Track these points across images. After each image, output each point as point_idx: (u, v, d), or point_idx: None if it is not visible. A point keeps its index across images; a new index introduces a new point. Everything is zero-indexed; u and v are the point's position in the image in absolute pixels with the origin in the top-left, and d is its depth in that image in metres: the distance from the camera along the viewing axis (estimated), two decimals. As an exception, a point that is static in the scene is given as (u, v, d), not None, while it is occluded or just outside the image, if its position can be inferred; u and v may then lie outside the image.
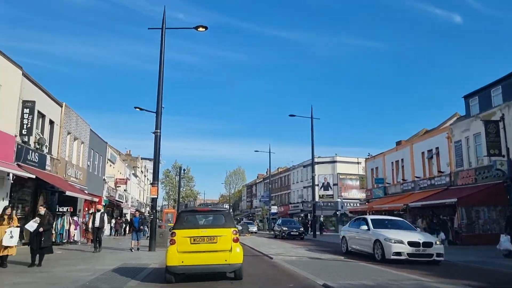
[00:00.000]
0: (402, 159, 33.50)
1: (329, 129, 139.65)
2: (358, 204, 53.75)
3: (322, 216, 50.64)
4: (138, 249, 16.92)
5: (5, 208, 10.17)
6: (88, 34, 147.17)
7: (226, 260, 8.56)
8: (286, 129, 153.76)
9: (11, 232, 9.53)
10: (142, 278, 9.41)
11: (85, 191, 26.12)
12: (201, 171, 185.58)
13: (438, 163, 28.17)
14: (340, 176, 55.64)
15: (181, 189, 71.82)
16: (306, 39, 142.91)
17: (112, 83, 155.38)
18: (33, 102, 17.78)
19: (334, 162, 56.28)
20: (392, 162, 35.35)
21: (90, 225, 17.42)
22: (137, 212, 18.09)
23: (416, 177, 30.43)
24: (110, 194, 34.96)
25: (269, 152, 52.87)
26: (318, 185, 56.85)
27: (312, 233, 42.14)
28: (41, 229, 10.23)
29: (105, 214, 15.80)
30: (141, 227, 18.61)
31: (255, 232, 42.72)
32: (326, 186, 56.37)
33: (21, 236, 10.06)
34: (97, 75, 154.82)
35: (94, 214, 16.82)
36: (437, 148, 28.20)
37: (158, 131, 18.15)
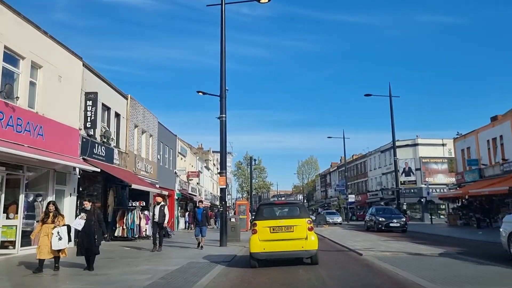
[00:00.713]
0: (501, 136, 29.07)
1: (408, 112, 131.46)
2: (446, 190, 49.04)
3: (405, 204, 46.68)
4: (201, 247, 14.63)
5: (48, 204, 9.07)
6: (156, 36, 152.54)
7: (302, 247, 9.57)
8: (360, 115, 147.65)
9: (58, 233, 8.40)
10: (209, 280, 7.87)
11: (157, 185, 25.65)
12: (273, 163, 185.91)
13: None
14: (423, 160, 51.02)
15: (253, 180, 71.31)
16: (375, 21, 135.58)
17: (184, 81, 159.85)
18: (96, 94, 17.13)
19: (416, 145, 51.72)
20: (487, 140, 30.94)
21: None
22: (200, 203, 16.02)
23: (521, 155, 26.11)
24: (183, 188, 34.64)
25: (343, 137, 49.88)
26: (399, 170, 52.74)
27: None
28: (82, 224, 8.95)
29: (166, 207, 14.18)
30: (207, 220, 15.98)
31: (340, 223, 39.94)
32: (407, 172, 52.09)
33: (69, 236, 8.77)
34: (170, 75, 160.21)
35: (154, 207, 15.29)
36: (548, 120, 23.81)
37: (224, 115, 16.66)
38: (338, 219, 42.06)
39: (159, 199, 14.71)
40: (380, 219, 25.47)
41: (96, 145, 17.42)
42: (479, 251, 12.08)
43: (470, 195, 27.53)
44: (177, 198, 32.12)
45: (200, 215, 14.97)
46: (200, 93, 17.15)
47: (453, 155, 52.24)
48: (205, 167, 50.56)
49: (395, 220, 24.85)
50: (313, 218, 42.31)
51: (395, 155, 31.72)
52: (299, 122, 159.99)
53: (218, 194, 54.19)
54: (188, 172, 37.48)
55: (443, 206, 50.02)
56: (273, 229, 9.73)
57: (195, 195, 41.94)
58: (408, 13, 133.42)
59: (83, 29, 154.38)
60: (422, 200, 50.06)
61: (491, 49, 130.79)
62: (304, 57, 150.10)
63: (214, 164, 62.04)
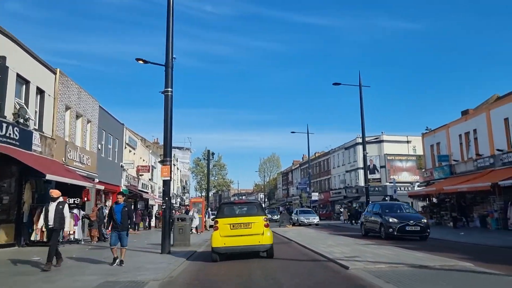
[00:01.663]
0: (474, 130, 27.38)
1: (372, 110, 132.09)
2: (410, 188, 47.71)
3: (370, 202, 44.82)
4: (120, 262, 9.76)
5: None
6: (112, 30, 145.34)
7: (259, 242, 10.62)
8: (325, 115, 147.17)
9: None
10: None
11: (95, 179, 21.87)
12: (236, 162, 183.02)
13: (530, 130, 22.11)
14: (388, 157, 49.53)
15: (213, 178, 67.80)
16: (340, 24, 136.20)
17: (145, 78, 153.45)
18: (3, 58, 13.30)
19: (381, 141, 50.16)
20: (460, 135, 29.24)
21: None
22: (120, 197, 10.34)
23: (498, 150, 24.35)
24: (131, 184, 30.81)
25: (307, 132, 47.41)
26: (362, 168, 51.09)
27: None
28: None
29: (66, 205, 9.52)
30: (130, 221, 10.36)
31: (316, 224, 34.09)
32: (372, 169, 50.35)
33: None
34: (129, 71, 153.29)
35: (48, 204, 9.59)
36: (528, 111, 22.11)
37: (170, 89, 13.30)
38: (315, 219, 35.10)
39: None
40: (390, 220, 16.89)
41: (3, 124, 13.57)
42: (490, 259, 9.51)
43: (445, 192, 25.58)
44: (121, 192, 28.22)
45: (120, 214, 9.63)
46: (141, 62, 13.71)
47: (417, 153, 51.35)
48: (160, 162, 46.56)
49: (412, 222, 16.63)
50: (269, 216, 38.95)
51: (364, 149, 29.37)
52: (263, 121, 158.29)
53: (175, 192, 49.46)
54: (138, 166, 33.62)
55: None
56: (233, 226, 10.68)
57: (147, 192, 38.09)
58: (371, 18, 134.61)
59: (38, 21, 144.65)
60: (386, 198, 48.43)
61: (453, 52, 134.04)
62: (269, 57, 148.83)
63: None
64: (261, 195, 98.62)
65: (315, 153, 76.61)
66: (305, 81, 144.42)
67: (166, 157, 13.40)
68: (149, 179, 39.37)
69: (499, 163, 24.38)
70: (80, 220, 17.69)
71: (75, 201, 17.62)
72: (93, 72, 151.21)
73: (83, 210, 18.75)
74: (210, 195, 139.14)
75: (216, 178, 67.28)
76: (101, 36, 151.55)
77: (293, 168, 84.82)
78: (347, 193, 53.98)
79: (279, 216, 41.95)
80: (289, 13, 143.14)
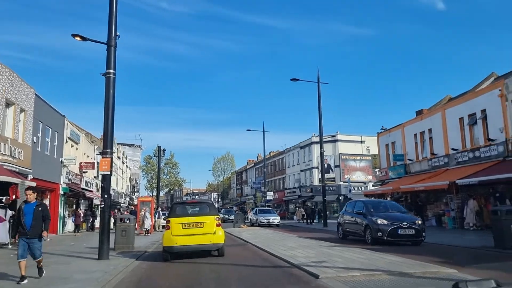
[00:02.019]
0: (429, 129, 27.46)
1: (327, 111, 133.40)
2: (364, 188, 48.01)
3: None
4: (38, 271, 7.90)
5: None
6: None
7: (211, 241, 10.81)
8: (278, 116, 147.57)
9: None
10: None
11: (29, 176, 19.50)
12: (189, 161, 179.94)
13: (484, 129, 22.22)
14: (343, 157, 49.63)
15: (164, 176, 65.16)
16: (292, 26, 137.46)
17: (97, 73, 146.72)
18: None
19: (336, 141, 50.18)
20: (414, 135, 29.31)
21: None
22: (30, 193, 7.67)
23: (453, 149, 24.43)
24: (73, 181, 28.25)
25: (263, 130, 46.55)
26: (317, 167, 50.92)
27: (316, 221, 36.32)
28: None
29: None
30: (44, 226, 7.82)
31: (277, 225, 31.60)
32: (327, 168, 50.09)
33: None
34: (82, 66, 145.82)
35: None
36: (483, 110, 22.20)
37: (112, 71, 11.57)
38: (276, 219, 32.48)
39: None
40: (379, 222, 13.52)
41: None
42: (469, 262, 8.71)
43: (401, 191, 25.35)
44: (63, 193, 25.80)
45: (31, 216, 7.50)
46: (78, 38, 11.83)
47: (371, 153, 51.89)
48: (99, 153, 43.73)
49: (405, 223, 13.33)
50: (222, 216, 37.33)
51: (321, 147, 28.78)
52: (217, 121, 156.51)
53: (124, 191, 46.62)
54: (81, 162, 31.04)
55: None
56: (185, 225, 10.74)
57: (91, 191, 35.39)
58: (324, 21, 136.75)
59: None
60: (340, 198, 48.59)
61: (403, 59, 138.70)
62: (224, 56, 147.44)
63: (119, 157, 55.09)
64: (215, 195, 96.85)
65: (270, 152, 75.99)
66: (260, 82, 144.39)
67: (106, 148, 11.63)
68: (94, 177, 36.67)
69: (454, 162, 24.47)
70: (7, 221, 15.43)
71: (1, 200, 15.43)
72: (41, 65, 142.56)
73: (11, 209, 16.45)
74: (161, 195, 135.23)
75: (168, 176, 64.58)
76: (52, 28, 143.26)
77: (247, 167, 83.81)
78: (302, 192, 53.64)
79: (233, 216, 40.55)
80: (244, 13, 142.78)
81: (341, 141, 50.13)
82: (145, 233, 23.32)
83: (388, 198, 31.18)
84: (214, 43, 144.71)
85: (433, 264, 7.71)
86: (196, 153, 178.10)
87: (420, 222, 14.07)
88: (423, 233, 13.44)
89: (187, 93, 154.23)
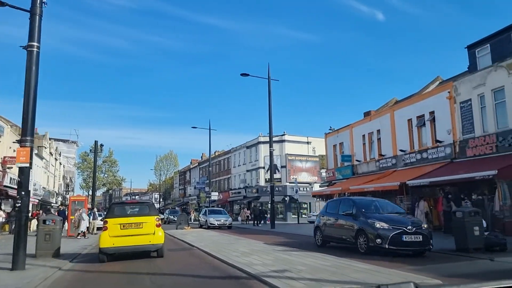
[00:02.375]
0: (378, 130, 27.46)
1: (275, 110, 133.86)
2: (309, 189, 47.88)
3: (269, 202, 43.87)
4: None
5: None
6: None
7: (150, 241, 10.65)
8: (224, 117, 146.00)
9: None
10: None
11: None
12: (130, 160, 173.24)
13: (432, 131, 22.38)
14: (289, 157, 49.28)
15: (102, 174, 61.48)
16: (237, 27, 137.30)
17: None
18: None
19: (283, 141, 49.73)
20: (363, 135, 29.25)
21: None
22: None
23: (401, 150, 24.48)
24: (-6, 178, 25.08)
25: (209, 128, 44.98)
26: (264, 167, 50.23)
27: (264, 223, 35.34)
28: None
29: None
30: None
31: (229, 227, 29.05)
32: (273, 169, 49.65)
33: None
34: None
35: None
36: (431, 112, 22.34)
37: (35, 44, 9.65)
38: (227, 220, 29.72)
39: None
40: (378, 226, 10.81)
41: None
42: (448, 271, 7.93)
43: (350, 191, 24.99)
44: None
45: None
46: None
47: (317, 153, 52.04)
48: (36, 154, 40.05)
49: (410, 228, 10.62)
50: (162, 216, 34.64)
51: (271, 145, 27.85)
52: (161, 119, 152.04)
53: (56, 190, 42.91)
54: (4, 157, 27.76)
55: (305, 205, 49.08)
56: (123, 226, 10.55)
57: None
58: (270, 25, 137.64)
59: None
60: (286, 198, 48.17)
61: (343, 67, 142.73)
62: (167, 54, 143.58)
63: (52, 153, 50.95)
64: (156, 195, 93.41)
65: (215, 152, 74.41)
66: (205, 81, 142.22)
67: (25, 135, 9.63)
68: (21, 174, 33.19)
69: (401, 164, 24.52)
70: None
71: None
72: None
73: None
74: (98, 194, 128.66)
75: (106, 175, 61.10)
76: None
77: (191, 167, 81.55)
78: (247, 193, 52.66)
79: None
80: (189, 11, 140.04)
81: (288, 141, 49.78)
82: (80, 236, 21.07)
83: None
84: (157, 40, 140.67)
85: (414, 274, 6.77)
86: (138, 152, 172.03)
87: (425, 226, 11.54)
88: (431, 240, 10.82)
89: (128, 90, 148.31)
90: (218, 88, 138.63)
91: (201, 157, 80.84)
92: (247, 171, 53.82)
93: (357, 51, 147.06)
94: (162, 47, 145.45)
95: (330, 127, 34.76)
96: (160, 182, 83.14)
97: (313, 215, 43.56)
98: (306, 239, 16.80)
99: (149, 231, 10.65)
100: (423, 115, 22.99)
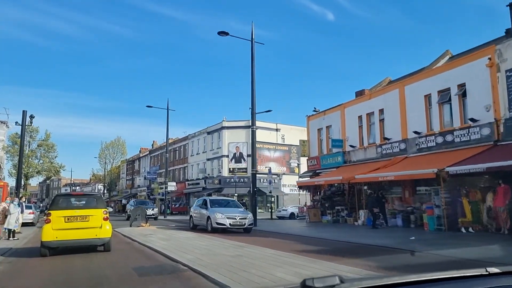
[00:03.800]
0: (381, 110, 22.99)
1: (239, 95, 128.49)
2: (276, 181, 43.12)
3: (235, 195, 38.55)
4: None
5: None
6: None
7: (96, 235, 10.36)
8: (178, 106, 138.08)
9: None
10: None
11: None
12: (73, 151, 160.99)
13: (461, 108, 18.13)
14: (257, 145, 43.91)
15: (37, 161, 52.97)
16: (191, 19, 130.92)
17: None
18: None
19: (249, 127, 44.29)
20: (359, 117, 24.73)
21: None
22: None
23: (415, 132, 20.09)
24: None
25: (167, 108, 38.74)
26: (227, 155, 44.74)
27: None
28: None
29: None
30: None
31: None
32: (238, 158, 44.37)
33: None
34: None
35: None
36: (461, 85, 18.05)
37: None
38: (246, 218, 24.18)
39: None
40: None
41: None
42: None
43: (356, 181, 20.25)
44: None
45: None
46: None
47: (286, 142, 47.34)
48: None
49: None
50: (107, 209, 27.97)
51: (253, 124, 22.51)
52: (107, 108, 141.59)
53: None
54: None
55: (273, 199, 44.12)
56: (68, 219, 10.21)
57: None
58: (223, 18, 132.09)
59: None
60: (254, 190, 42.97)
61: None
62: (118, 42, 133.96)
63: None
64: (100, 186, 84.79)
65: (169, 139, 67.72)
66: (158, 71, 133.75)
67: None
68: None
69: (414, 149, 20.20)
70: None
71: None
72: None
73: None
74: (34, 184, 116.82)
75: (42, 161, 52.57)
76: None
77: (141, 155, 74.18)
78: (207, 184, 46.83)
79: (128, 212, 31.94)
80: (144, 1, 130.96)
81: (256, 127, 44.42)
82: (9, 236, 14.71)
83: (328, 191, 26.34)
84: (109, 27, 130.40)
85: None
86: (82, 142, 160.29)
87: None
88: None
89: (75, 77, 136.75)
90: (174, 78, 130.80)
91: (152, 145, 73.72)
92: (208, 159, 48.00)
93: (311, 49, 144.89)
94: (114, 35, 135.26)
95: (315, 108, 30.03)
96: (105, 171, 74.85)
97: (283, 209, 38.80)
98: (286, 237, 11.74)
99: (95, 225, 10.42)
100: (448, 89, 18.69)
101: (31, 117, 22.51)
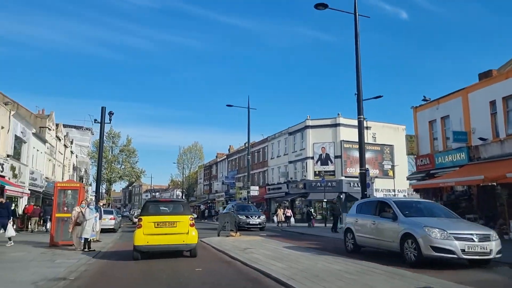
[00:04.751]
0: (526, 91, 17.95)
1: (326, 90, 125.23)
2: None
3: (325, 200, 34.59)
4: None
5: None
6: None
7: (184, 241, 10.61)
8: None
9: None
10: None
11: None
12: (150, 159, 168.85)
13: None
14: (345, 145, 39.80)
15: (119, 166, 53.28)
16: (259, 27, 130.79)
17: (54, 63, 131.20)
18: None
19: (337, 125, 40.28)
20: (491, 102, 19.79)
21: None
22: None
23: None
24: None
25: (248, 107, 35.86)
26: (312, 157, 40.97)
27: (309, 225, 25.50)
28: None
29: None
30: None
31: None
32: (324, 159, 40.40)
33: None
34: (35, 55, 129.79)
35: None
36: None
37: None
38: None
39: None
40: None
41: None
42: None
43: (508, 181, 15.54)
44: None
45: None
46: None
47: (377, 142, 42.50)
48: (35, 134, 31.85)
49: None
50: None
51: (360, 112, 18.50)
52: (183, 118, 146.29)
53: (55, 178, 33.66)
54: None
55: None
56: (157, 224, 10.58)
57: (2, 177, 23.77)
58: (289, 24, 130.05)
59: None
60: (341, 196, 38.82)
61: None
62: (188, 54, 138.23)
63: (59, 138, 42.89)
64: (178, 192, 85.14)
65: (244, 143, 65.58)
66: (223, 80, 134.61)
67: None
68: (8, 156, 24.98)
69: None
70: None
71: None
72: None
73: None
74: (118, 190, 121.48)
75: (123, 166, 52.75)
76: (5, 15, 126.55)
77: (218, 160, 72.90)
78: (290, 189, 43.40)
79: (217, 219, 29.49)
80: (210, 11, 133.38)
81: (344, 125, 40.27)
82: (85, 247, 12.47)
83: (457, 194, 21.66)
84: (175, 39, 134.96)
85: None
86: (158, 151, 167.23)
87: None
88: None
89: (147, 89, 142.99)
90: (243, 86, 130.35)
91: (228, 150, 72.11)
92: (290, 162, 44.55)
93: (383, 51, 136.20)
94: (181, 46, 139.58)
95: (424, 96, 25.30)
96: (183, 176, 74.54)
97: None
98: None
99: (183, 231, 10.62)
100: None
101: (110, 114, 20.58)
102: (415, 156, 25.46)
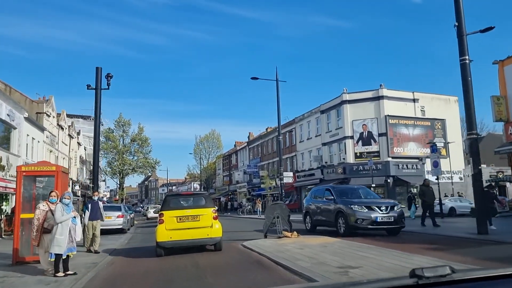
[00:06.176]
0: None
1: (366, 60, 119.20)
2: (419, 166, 32.96)
3: (373, 185, 29.00)
4: None
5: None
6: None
7: (208, 235, 10.26)
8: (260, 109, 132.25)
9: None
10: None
11: None
12: (166, 153, 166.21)
13: None
14: (390, 121, 33.96)
15: (131, 157, 48.36)
16: (271, 19, 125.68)
17: (68, 64, 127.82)
18: None
19: (380, 98, 34.40)
20: None
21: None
22: None
23: None
24: None
25: (276, 80, 30.11)
26: (352, 137, 35.32)
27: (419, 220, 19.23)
28: None
29: None
30: None
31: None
32: (367, 138, 34.68)
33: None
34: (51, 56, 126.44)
35: None
36: None
37: None
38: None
39: None
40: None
41: None
42: None
43: None
44: None
45: None
46: None
47: (426, 116, 36.63)
48: (29, 119, 26.89)
49: None
50: (235, 210, 19.99)
51: (463, 53, 12.75)
52: (198, 112, 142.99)
53: (71, 175, 28.67)
54: None
55: (414, 190, 33.61)
56: (180, 219, 10.18)
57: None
58: (302, 13, 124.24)
59: None
60: (388, 180, 33.17)
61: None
62: (202, 48, 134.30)
63: (62, 127, 38.07)
64: (196, 185, 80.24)
65: (266, 128, 60.04)
66: (238, 72, 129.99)
67: None
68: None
69: None
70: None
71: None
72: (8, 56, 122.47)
73: None
74: (134, 186, 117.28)
75: (135, 157, 47.82)
76: (22, 18, 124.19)
77: (237, 148, 67.59)
78: (326, 174, 37.78)
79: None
80: (220, 4, 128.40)
81: (388, 98, 34.40)
82: (57, 271, 7.24)
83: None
84: (189, 34, 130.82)
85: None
86: (173, 146, 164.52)
87: None
88: None
89: (163, 85, 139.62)
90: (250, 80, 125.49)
91: (248, 137, 66.73)
92: (323, 144, 38.89)
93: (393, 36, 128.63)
94: (195, 41, 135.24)
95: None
96: (201, 167, 69.40)
97: (436, 203, 28.10)
98: None
99: (206, 224, 10.27)
100: None
101: (108, 76, 15.33)
102: (505, 122, 19.66)
